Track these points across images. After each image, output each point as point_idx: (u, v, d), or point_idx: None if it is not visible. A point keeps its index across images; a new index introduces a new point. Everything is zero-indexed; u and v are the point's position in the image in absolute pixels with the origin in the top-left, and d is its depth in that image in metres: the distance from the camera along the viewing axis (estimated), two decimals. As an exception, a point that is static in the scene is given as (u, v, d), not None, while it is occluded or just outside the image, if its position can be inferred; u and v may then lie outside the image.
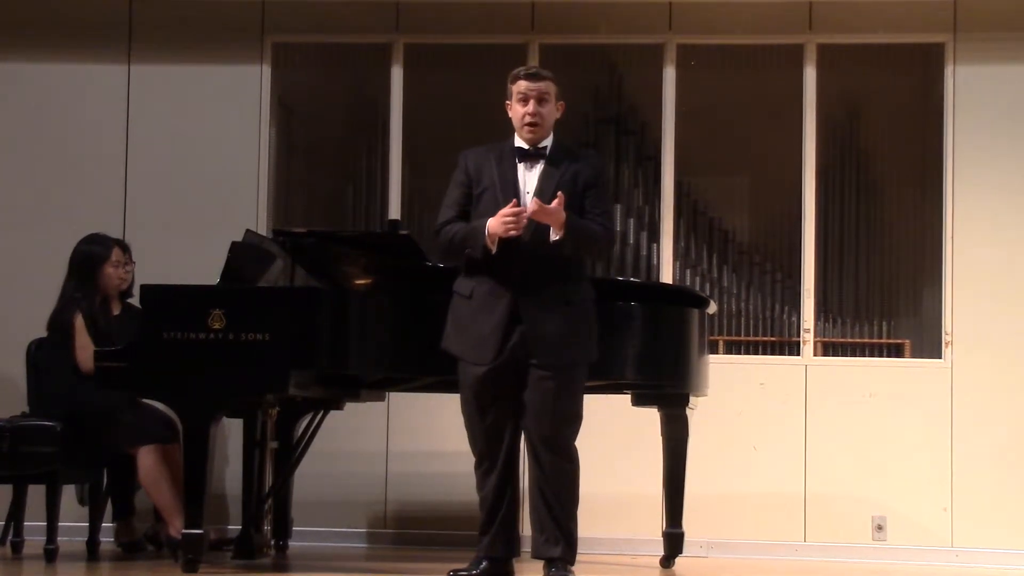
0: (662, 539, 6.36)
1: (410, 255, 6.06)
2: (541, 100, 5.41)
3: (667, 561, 6.34)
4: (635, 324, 5.87)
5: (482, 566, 5.44)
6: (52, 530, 6.23)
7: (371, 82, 7.59)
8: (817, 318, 7.34)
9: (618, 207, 7.40)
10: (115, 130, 7.43)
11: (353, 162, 7.67)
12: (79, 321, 6.34)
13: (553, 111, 5.46)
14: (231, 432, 6.90)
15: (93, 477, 6.56)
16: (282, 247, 6.16)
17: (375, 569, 6.39)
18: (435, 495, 7.18)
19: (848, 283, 7.49)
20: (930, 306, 7.34)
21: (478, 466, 5.45)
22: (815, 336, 7.31)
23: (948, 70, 7.22)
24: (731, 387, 7.00)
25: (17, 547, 6.35)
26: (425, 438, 7.17)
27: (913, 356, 7.32)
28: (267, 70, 7.43)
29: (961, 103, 7.20)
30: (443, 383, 5.90)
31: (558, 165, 5.41)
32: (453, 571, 5.45)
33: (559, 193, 5.23)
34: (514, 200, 5.28)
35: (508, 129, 5.50)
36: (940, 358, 7.16)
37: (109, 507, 6.68)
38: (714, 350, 7.21)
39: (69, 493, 6.55)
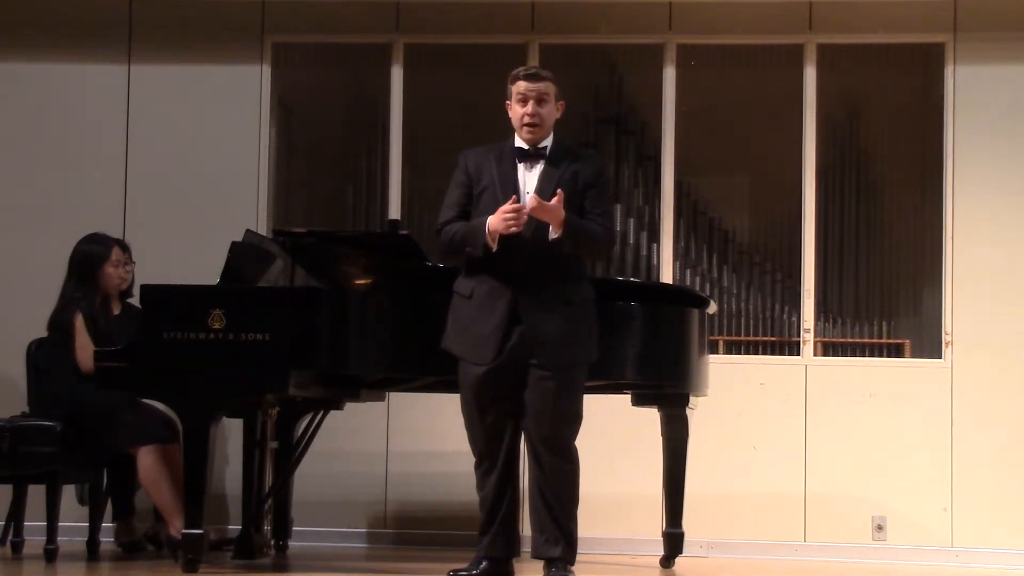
0: (662, 539, 6.36)
1: (410, 255, 6.06)
2: (540, 101, 5.41)
3: (667, 561, 6.34)
4: (635, 324, 5.87)
5: (482, 566, 5.44)
6: (52, 530, 6.23)
7: (371, 82, 7.59)
8: (817, 318, 7.34)
9: (618, 207, 7.40)
10: (115, 130, 7.43)
11: (353, 162, 7.67)
12: (79, 321, 6.34)
13: (553, 111, 5.46)
14: (231, 432, 6.90)
15: (93, 477, 6.56)
16: (282, 247, 6.16)
17: (375, 569, 6.39)
18: (435, 495, 7.18)
19: (848, 283, 7.50)
20: (930, 306, 7.34)
21: (478, 466, 5.45)
22: (815, 336, 7.31)
23: (948, 70, 7.22)
24: (731, 387, 7.00)
25: (17, 547, 6.35)
26: (425, 438, 7.17)
27: (913, 356, 7.32)
28: (267, 70, 7.43)
29: (961, 103, 7.20)
30: (443, 383, 5.90)
31: (558, 165, 5.41)
32: (453, 571, 5.45)
33: (559, 191, 5.23)
34: (513, 196, 5.28)
35: (508, 129, 5.50)
36: (940, 358, 7.16)
37: (109, 507, 6.68)
38: (714, 350, 7.21)
39: (69, 493, 6.55)
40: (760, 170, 7.78)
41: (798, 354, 7.29)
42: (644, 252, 7.44)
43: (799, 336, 7.31)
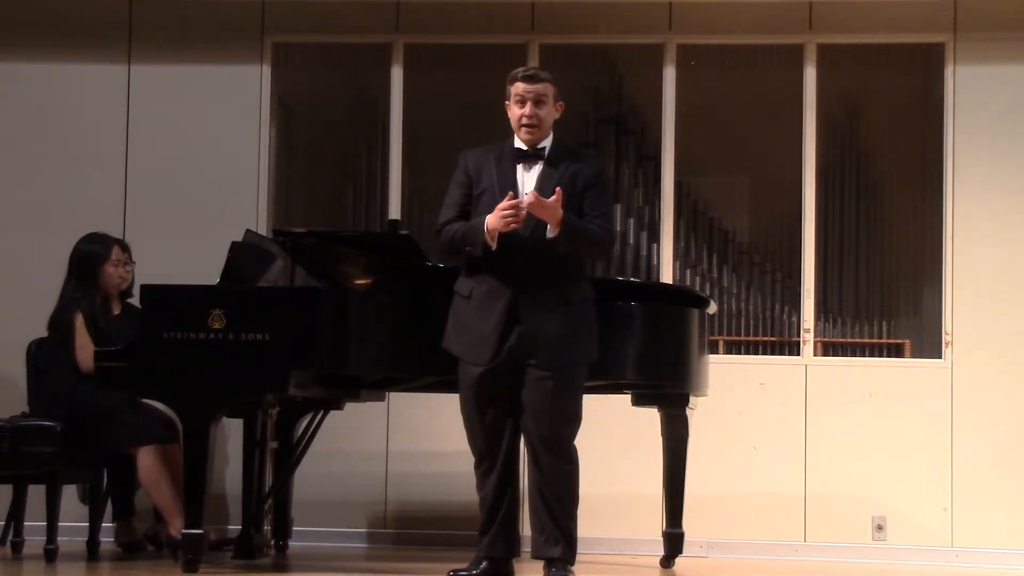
0: (662, 539, 6.36)
1: (410, 255, 6.06)
2: (538, 102, 5.40)
3: (667, 561, 6.34)
4: (635, 324, 5.87)
5: (482, 566, 5.44)
6: (52, 530, 6.23)
7: (371, 82, 7.59)
8: (817, 318, 7.34)
9: (618, 207, 7.40)
10: (115, 130, 7.43)
11: (353, 162, 7.66)
12: (79, 321, 6.34)
13: (551, 112, 5.45)
14: (231, 432, 6.90)
15: (93, 477, 6.56)
16: (282, 247, 6.16)
17: (375, 569, 6.39)
18: (435, 495, 7.18)
19: (848, 283, 7.49)
20: (930, 306, 7.34)
21: (478, 466, 5.45)
22: (815, 336, 7.31)
23: (948, 70, 7.22)
24: (731, 387, 7.00)
25: (17, 547, 6.35)
26: (425, 438, 7.17)
27: (913, 356, 7.32)
28: (267, 70, 7.43)
29: (961, 103, 7.20)
30: (443, 383, 5.90)
31: (557, 166, 5.41)
32: (453, 571, 5.45)
33: (557, 189, 5.23)
34: (510, 193, 5.27)
35: (508, 129, 5.50)
36: (940, 358, 7.16)
37: (109, 507, 6.68)
38: (714, 350, 7.21)
39: (69, 493, 6.55)
40: (760, 170, 7.78)
41: (798, 354, 7.29)
42: (644, 252, 7.44)
43: (799, 336, 7.31)
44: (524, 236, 5.28)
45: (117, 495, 6.65)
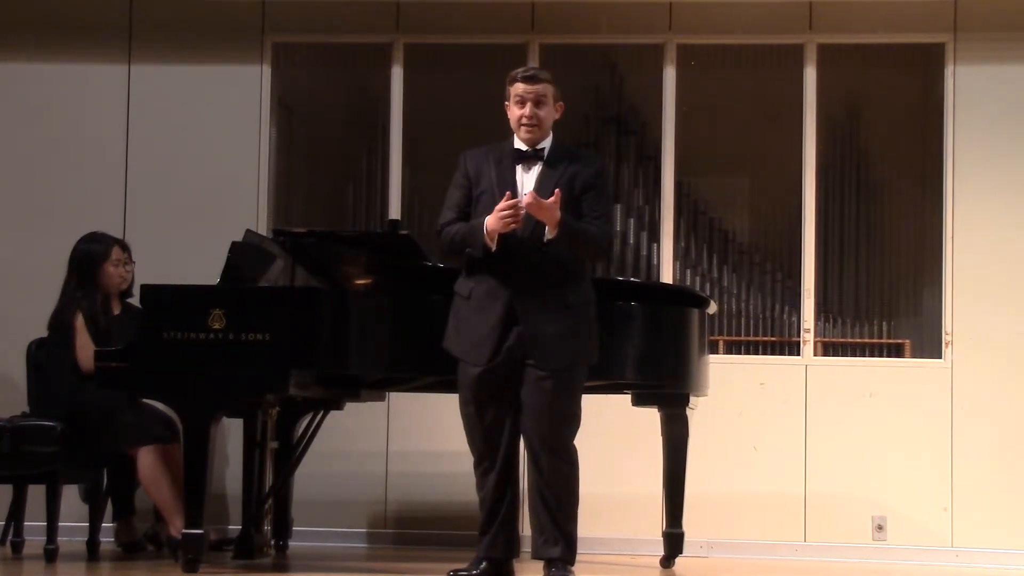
0: (662, 539, 6.36)
1: (410, 255, 6.06)
2: (538, 102, 5.40)
3: (667, 561, 6.34)
4: (635, 324, 5.87)
5: (482, 566, 5.44)
6: (52, 530, 6.23)
7: (371, 82, 7.59)
8: (817, 318, 7.34)
9: (618, 207, 7.40)
10: (115, 130, 7.43)
11: (353, 162, 7.67)
12: (79, 321, 6.34)
13: (551, 112, 5.45)
14: (231, 432, 6.90)
15: (93, 477, 6.56)
16: (282, 247, 6.16)
17: (375, 569, 6.39)
18: (435, 495, 7.18)
19: (848, 283, 7.49)
20: (930, 306, 7.34)
21: (477, 466, 5.45)
22: (815, 336, 7.31)
23: (948, 70, 7.22)
24: (731, 387, 7.00)
25: (17, 547, 6.35)
26: (425, 438, 7.17)
27: (913, 356, 7.32)
28: (267, 70, 7.43)
29: (961, 103, 7.20)
30: (443, 383, 5.90)
31: (556, 167, 5.40)
32: (453, 571, 5.45)
33: (556, 191, 5.23)
34: (508, 193, 5.27)
35: (508, 129, 5.50)
36: (940, 358, 7.16)
37: (109, 507, 6.68)
38: (714, 350, 7.21)
39: (70, 493, 6.55)
40: (760, 170, 7.78)
41: (798, 354, 7.29)
42: (644, 252, 7.44)
43: (799, 336, 7.31)
44: (523, 238, 5.28)
45: (117, 495, 6.65)
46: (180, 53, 7.43)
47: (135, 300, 6.31)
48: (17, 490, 6.35)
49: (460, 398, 5.43)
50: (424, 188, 7.52)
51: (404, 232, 6.19)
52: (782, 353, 7.37)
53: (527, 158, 5.42)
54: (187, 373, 5.56)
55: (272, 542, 6.49)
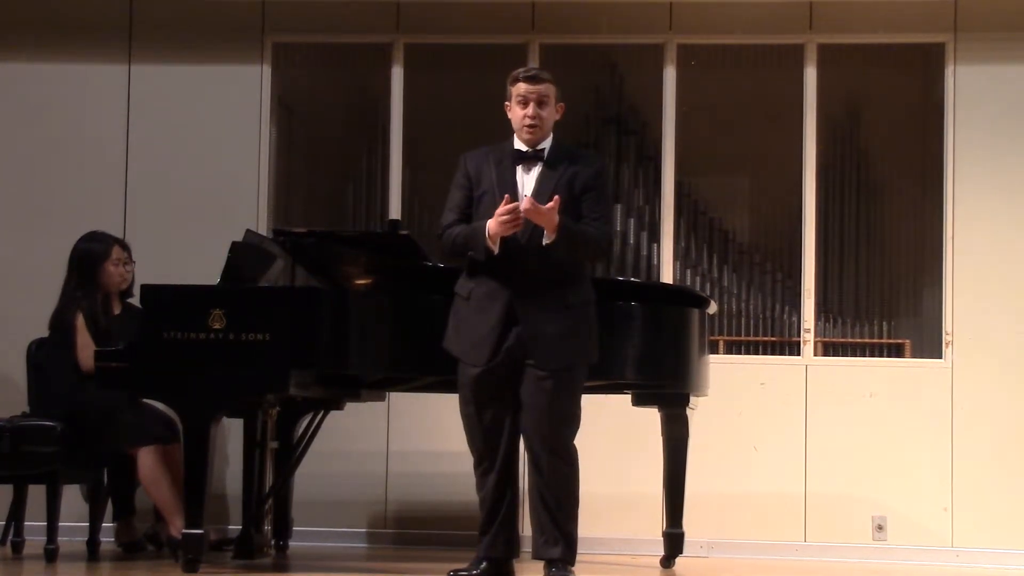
0: (662, 539, 6.36)
1: (410, 255, 6.06)
2: (541, 102, 5.40)
3: (667, 561, 6.34)
4: (635, 324, 5.87)
5: (482, 566, 5.44)
6: (52, 530, 6.23)
7: (371, 82, 7.59)
8: (817, 318, 7.34)
9: (618, 207, 7.40)
10: (115, 130, 7.43)
11: (353, 162, 7.66)
12: (80, 321, 6.34)
13: (553, 113, 5.45)
14: (231, 432, 6.90)
15: (93, 477, 6.56)
16: (282, 247, 6.16)
17: (375, 569, 6.39)
18: (435, 495, 7.18)
19: (848, 283, 7.49)
20: (930, 306, 7.34)
21: (477, 466, 5.45)
22: (815, 336, 7.31)
23: (948, 70, 7.22)
24: (731, 387, 7.00)
25: (17, 547, 6.35)
26: (425, 438, 7.17)
27: (913, 356, 7.32)
28: (267, 70, 7.43)
29: (961, 103, 7.20)
30: (443, 383, 5.90)
31: (556, 167, 5.40)
32: (453, 571, 5.45)
33: (555, 196, 5.23)
34: (507, 196, 5.27)
35: (509, 129, 5.50)
36: (940, 358, 7.16)
37: (109, 507, 6.68)
38: (714, 350, 7.21)
39: (71, 493, 6.55)
40: (760, 170, 7.78)
41: (798, 354, 7.29)
42: (644, 252, 7.44)
43: (799, 336, 7.31)
44: (522, 242, 5.28)
45: (117, 495, 6.65)
46: (180, 53, 7.43)
47: (135, 300, 6.31)
48: (17, 490, 6.36)
49: (460, 398, 5.43)
50: (424, 188, 7.52)
51: (404, 232, 6.19)
52: (782, 353, 7.37)
53: (527, 159, 5.42)
54: (187, 373, 5.56)
55: (272, 542, 6.49)
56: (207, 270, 5.90)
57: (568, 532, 5.35)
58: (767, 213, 7.71)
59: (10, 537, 6.43)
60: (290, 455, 6.47)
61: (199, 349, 5.54)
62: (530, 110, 5.39)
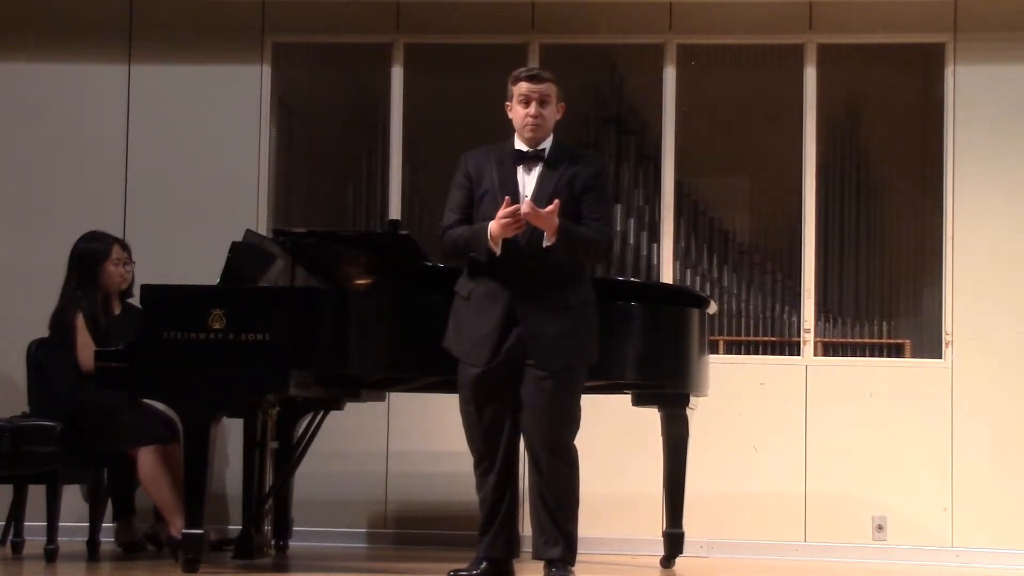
0: (662, 539, 6.36)
1: (410, 255, 6.06)
2: (542, 102, 5.41)
3: (667, 561, 6.34)
4: (635, 324, 5.87)
5: (482, 566, 5.44)
6: (52, 530, 6.23)
7: (371, 82, 7.59)
8: (817, 318, 7.34)
9: (618, 207, 7.40)
10: (115, 130, 7.43)
11: (353, 162, 7.66)
12: (80, 321, 6.34)
13: (554, 112, 5.46)
14: (231, 432, 6.90)
15: (93, 477, 6.56)
16: (282, 247, 6.16)
17: (375, 569, 6.39)
18: (435, 495, 7.18)
19: (848, 283, 7.49)
20: (930, 306, 7.34)
21: (477, 466, 5.46)
22: (815, 336, 7.31)
23: (948, 70, 7.22)
24: (731, 387, 7.00)
25: (17, 547, 6.35)
26: (425, 438, 7.17)
27: (913, 356, 7.32)
28: (267, 70, 7.43)
29: (961, 103, 7.20)
30: (443, 383, 5.90)
31: (556, 167, 5.40)
32: (453, 571, 5.45)
33: (556, 200, 5.23)
34: (507, 199, 5.27)
35: (509, 129, 5.50)
36: (940, 358, 7.16)
37: (109, 507, 6.68)
38: (714, 350, 7.21)
39: (71, 493, 6.55)
40: (760, 170, 7.78)
41: (798, 354, 7.29)
42: (644, 252, 7.44)
43: (799, 336, 7.31)
44: (522, 244, 5.28)
45: (117, 495, 6.65)
46: (180, 53, 7.43)
47: (135, 300, 6.31)
48: (17, 490, 6.35)
49: (460, 398, 5.44)
50: (424, 188, 7.52)
51: (404, 232, 6.19)
52: (782, 353, 7.37)
53: (528, 159, 5.42)
54: (187, 373, 5.56)
55: (272, 542, 6.49)
56: (207, 270, 5.90)
57: (568, 532, 5.35)
58: (767, 213, 7.71)
59: (10, 537, 6.43)
60: (290, 455, 6.47)
61: (199, 349, 5.54)
62: (532, 109, 5.39)
